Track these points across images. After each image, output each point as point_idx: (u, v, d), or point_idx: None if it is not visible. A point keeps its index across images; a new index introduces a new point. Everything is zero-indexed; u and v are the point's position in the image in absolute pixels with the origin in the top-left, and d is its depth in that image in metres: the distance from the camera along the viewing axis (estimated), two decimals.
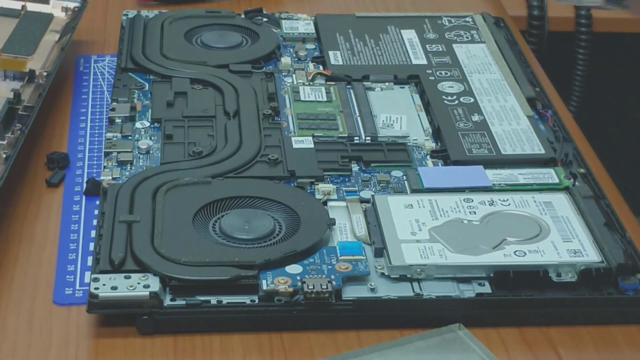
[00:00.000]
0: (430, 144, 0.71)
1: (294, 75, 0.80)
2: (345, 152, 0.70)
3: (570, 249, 0.60)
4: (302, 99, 0.76)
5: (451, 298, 0.58)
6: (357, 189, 0.67)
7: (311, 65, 0.82)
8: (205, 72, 0.78)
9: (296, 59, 0.83)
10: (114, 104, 0.74)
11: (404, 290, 0.58)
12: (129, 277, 0.57)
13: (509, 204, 0.64)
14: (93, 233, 0.64)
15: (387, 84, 0.79)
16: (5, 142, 0.68)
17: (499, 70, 0.80)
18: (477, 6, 0.95)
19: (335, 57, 0.82)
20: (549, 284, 0.58)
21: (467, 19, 0.89)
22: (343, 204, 0.65)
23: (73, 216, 0.66)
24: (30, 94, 0.74)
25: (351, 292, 0.58)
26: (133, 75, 0.79)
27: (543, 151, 0.70)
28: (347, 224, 0.63)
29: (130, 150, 0.69)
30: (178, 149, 0.69)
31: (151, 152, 0.69)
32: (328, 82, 0.79)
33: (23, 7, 0.84)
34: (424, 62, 0.82)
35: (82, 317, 0.57)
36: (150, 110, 0.74)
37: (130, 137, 0.71)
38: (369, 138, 0.72)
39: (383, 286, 0.58)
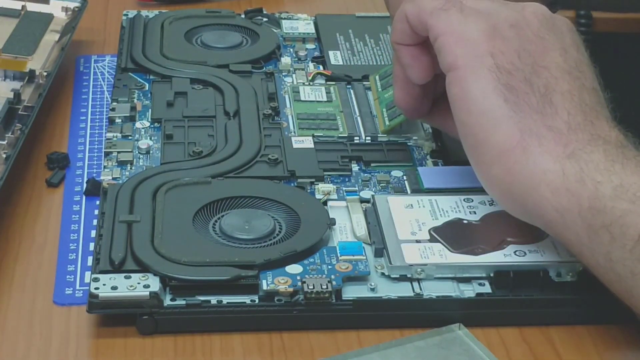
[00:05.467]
0: (430, 144, 0.71)
1: (294, 75, 0.80)
2: (346, 152, 0.70)
3: None
4: (302, 98, 0.76)
5: (451, 298, 0.58)
6: (357, 189, 0.67)
7: (311, 65, 0.82)
8: (205, 72, 0.78)
9: (296, 59, 0.83)
10: (114, 104, 0.74)
11: (404, 290, 0.58)
12: (129, 277, 0.57)
13: None
14: (93, 233, 0.64)
15: None
16: (5, 142, 0.68)
17: None
18: None
19: (335, 57, 0.82)
20: (549, 284, 0.58)
21: None
22: (343, 204, 0.65)
23: (73, 216, 0.66)
24: (30, 94, 0.74)
25: (351, 292, 0.58)
26: (133, 75, 0.79)
27: None
28: (347, 224, 0.63)
29: (130, 150, 0.69)
30: (178, 149, 0.69)
31: (151, 152, 0.69)
32: (328, 82, 0.79)
33: (23, 7, 0.84)
34: None
35: (82, 317, 0.57)
36: (150, 110, 0.74)
37: (130, 137, 0.71)
38: (369, 138, 0.72)
39: (383, 286, 0.58)
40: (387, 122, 0.72)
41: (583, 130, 0.57)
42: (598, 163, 0.55)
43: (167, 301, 0.56)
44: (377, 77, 0.77)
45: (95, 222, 0.65)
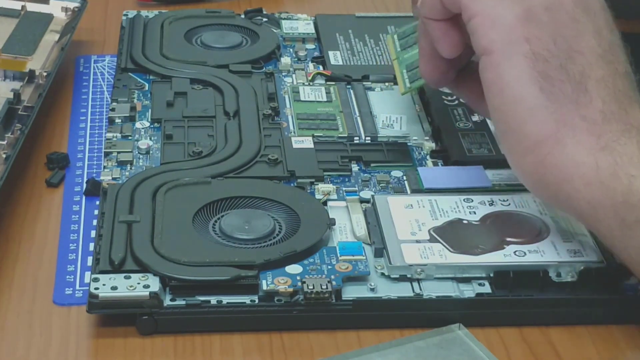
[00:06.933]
0: (430, 144, 0.71)
1: (294, 75, 0.80)
2: (345, 152, 0.70)
3: (570, 249, 0.59)
4: (302, 99, 0.76)
5: (451, 298, 0.58)
6: (357, 189, 0.67)
7: (311, 65, 0.82)
8: (205, 72, 0.78)
9: (296, 59, 0.83)
10: (114, 104, 0.74)
11: (404, 290, 0.58)
12: (129, 277, 0.57)
13: (509, 204, 0.64)
14: (93, 233, 0.64)
15: (387, 84, 0.79)
16: (5, 142, 0.68)
17: None
18: None
19: (335, 57, 0.82)
20: (549, 284, 0.58)
21: None
22: (343, 204, 0.65)
23: (73, 216, 0.66)
24: (30, 94, 0.74)
25: (351, 292, 0.58)
26: (133, 75, 0.79)
27: None
28: (347, 224, 0.63)
29: (130, 150, 0.69)
30: (178, 149, 0.69)
31: (151, 152, 0.70)
32: (328, 82, 0.79)
33: (23, 7, 0.84)
34: None
35: (82, 317, 0.57)
36: (150, 110, 0.74)
37: (130, 137, 0.71)
38: (369, 138, 0.72)
39: (383, 286, 0.58)
40: (407, 84, 0.72)
41: (617, 120, 0.56)
42: (632, 156, 0.55)
43: (167, 301, 0.56)
44: (395, 37, 0.75)
45: (95, 222, 0.65)
